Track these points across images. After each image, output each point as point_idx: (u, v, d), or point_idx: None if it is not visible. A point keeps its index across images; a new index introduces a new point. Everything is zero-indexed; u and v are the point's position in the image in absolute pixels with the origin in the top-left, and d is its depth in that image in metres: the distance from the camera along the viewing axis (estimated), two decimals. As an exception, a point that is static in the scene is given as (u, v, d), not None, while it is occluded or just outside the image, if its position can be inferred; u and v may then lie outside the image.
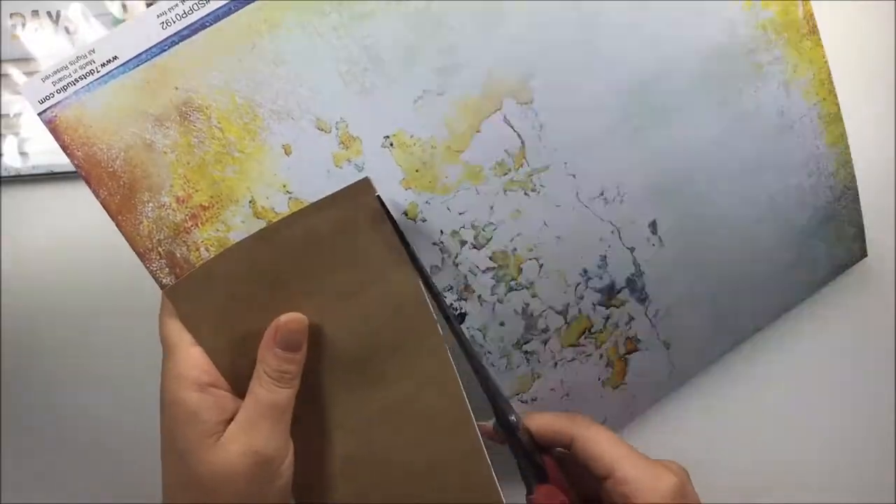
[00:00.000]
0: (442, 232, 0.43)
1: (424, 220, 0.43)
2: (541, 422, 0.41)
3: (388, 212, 0.39)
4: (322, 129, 0.40)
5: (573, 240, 0.44)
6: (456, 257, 0.43)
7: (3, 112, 0.51)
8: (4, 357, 0.50)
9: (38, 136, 0.51)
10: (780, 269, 0.49)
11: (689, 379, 0.50)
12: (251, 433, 0.37)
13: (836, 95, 0.46)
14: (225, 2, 0.39)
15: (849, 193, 0.49)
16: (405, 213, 0.42)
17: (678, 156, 0.45)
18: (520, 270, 0.44)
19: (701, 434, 0.51)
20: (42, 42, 0.51)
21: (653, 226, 0.46)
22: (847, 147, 0.48)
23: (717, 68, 0.44)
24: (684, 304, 0.47)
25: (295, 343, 0.38)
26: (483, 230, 0.43)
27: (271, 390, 0.37)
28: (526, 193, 0.43)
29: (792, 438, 0.51)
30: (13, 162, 0.51)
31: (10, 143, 0.51)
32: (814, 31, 0.45)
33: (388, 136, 0.41)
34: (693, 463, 0.40)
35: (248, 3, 0.39)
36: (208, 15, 0.38)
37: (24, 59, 0.51)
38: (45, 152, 0.51)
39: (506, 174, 0.43)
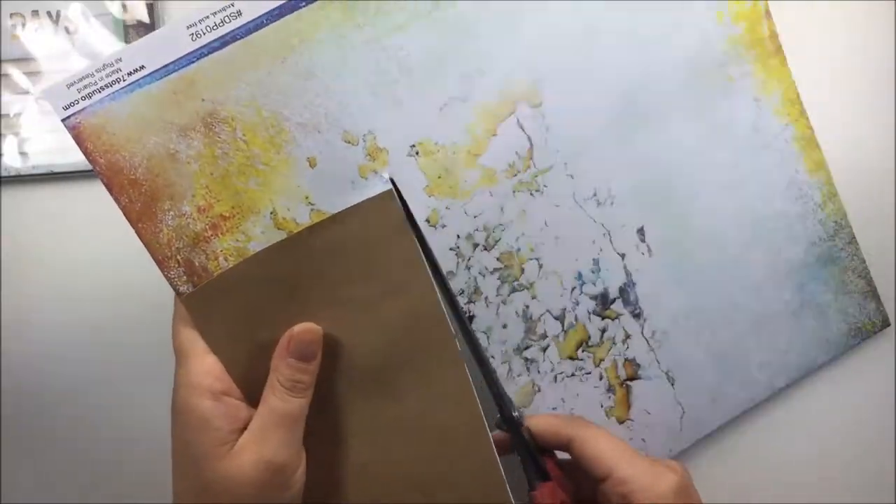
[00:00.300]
0: (458, 236, 0.44)
1: (444, 226, 0.44)
2: (540, 421, 0.42)
3: (413, 220, 0.40)
4: (349, 142, 0.41)
5: (569, 241, 0.46)
6: (468, 260, 0.45)
7: (3, 112, 0.50)
8: (4, 357, 0.50)
9: (38, 136, 0.51)
10: (784, 313, 0.50)
11: (703, 432, 0.50)
12: (264, 442, 0.37)
13: (808, 119, 0.49)
14: (257, 15, 0.39)
15: (843, 233, 0.51)
16: (427, 220, 0.43)
17: (660, 161, 0.47)
18: (522, 270, 0.46)
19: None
20: (42, 42, 0.51)
21: (641, 232, 0.48)
22: (830, 178, 0.50)
23: (694, 78, 0.47)
24: (681, 330, 0.49)
25: (309, 353, 0.39)
26: (493, 232, 0.45)
27: (284, 400, 0.38)
28: (531, 194, 0.45)
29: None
30: (13, 162, 0.51)
31: (10, 143, 0.51)
32: (778, 51, 0.48)
33: (413, 145, 0.43)
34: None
35: (281, 18, 0.39)
36: (239, 28, 0.39)
37: (24, 60, 0.51)
38: (45, 152, 0.51)
39: (515, 175, 0.45)
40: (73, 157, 0.51)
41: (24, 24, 0.51)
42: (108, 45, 0.51)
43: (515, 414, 0.42)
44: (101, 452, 0.50)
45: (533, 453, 0.42)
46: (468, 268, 0.45)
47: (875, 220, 0.53)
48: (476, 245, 0.45)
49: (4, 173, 0.49)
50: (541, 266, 0.46)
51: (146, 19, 0.51)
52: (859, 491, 0.51)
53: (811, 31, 0.51)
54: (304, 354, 0.38)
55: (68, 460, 0.50)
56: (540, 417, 0.43)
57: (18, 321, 0.50)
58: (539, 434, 0.42)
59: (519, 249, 0.46)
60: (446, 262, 0.44)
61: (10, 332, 0.50)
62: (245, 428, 0.38)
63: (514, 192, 0.45)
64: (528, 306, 0.46)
